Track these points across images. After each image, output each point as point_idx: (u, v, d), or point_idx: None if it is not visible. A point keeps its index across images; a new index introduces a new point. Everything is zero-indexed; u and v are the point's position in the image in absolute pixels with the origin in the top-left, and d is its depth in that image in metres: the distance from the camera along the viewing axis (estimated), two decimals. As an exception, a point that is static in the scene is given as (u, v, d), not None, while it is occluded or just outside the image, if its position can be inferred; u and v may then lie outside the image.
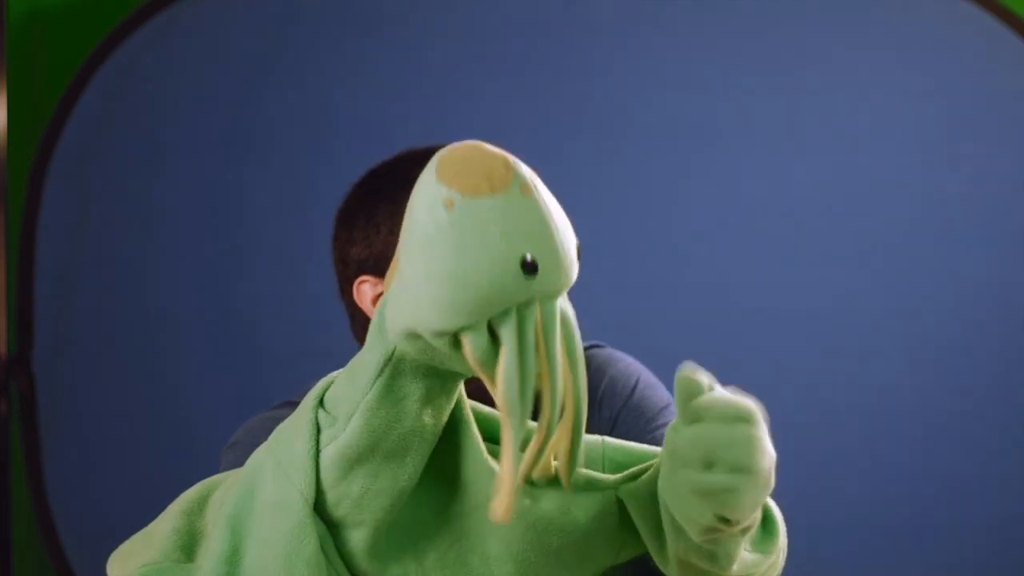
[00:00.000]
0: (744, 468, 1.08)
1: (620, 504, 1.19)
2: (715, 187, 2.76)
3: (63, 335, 2.86)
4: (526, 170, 1.08)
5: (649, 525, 1.17)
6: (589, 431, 1.64)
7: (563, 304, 1.10)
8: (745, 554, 1.18)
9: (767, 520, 1.22)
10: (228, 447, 1.71)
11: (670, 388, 1.79)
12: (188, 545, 1.20)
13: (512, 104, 2.78)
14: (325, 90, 2.82)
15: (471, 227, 1.04)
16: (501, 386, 1.06)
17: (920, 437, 2.71)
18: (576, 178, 2.70)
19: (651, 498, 1.17)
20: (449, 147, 1.08)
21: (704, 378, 1.14)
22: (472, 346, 1.06)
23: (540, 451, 1.10)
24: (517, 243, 1.05)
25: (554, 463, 1.15)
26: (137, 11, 2.83)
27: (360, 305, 1.73)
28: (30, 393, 2.83)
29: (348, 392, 1.14)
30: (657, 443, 1.69)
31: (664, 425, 1.73)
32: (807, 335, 2.73)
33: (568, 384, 1.10)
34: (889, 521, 2.70)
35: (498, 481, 1.06)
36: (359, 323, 1.76)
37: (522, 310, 1.06)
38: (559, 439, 1.11)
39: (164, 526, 1.22)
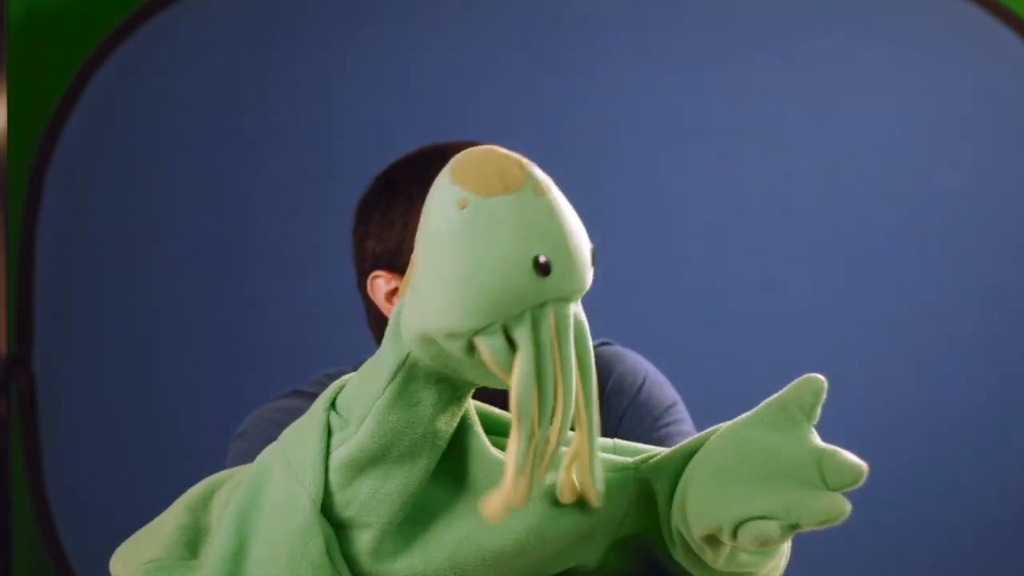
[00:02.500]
0: (815, 525, 1.08)
1: (634, 483, 1.19)
2: (716, 186, 2.76)
3: (63, 335, 2.86)
4: (540, 172, 1.07)
5: (665, 501, 1.18)
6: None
7: (576, 310, 1.09)
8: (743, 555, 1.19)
9: None
10: (236, 436, 1.71)
11: (676, 386, 1.80)
12: (192, 542, 1.20)
13: (513, 104, 2.78)
14: (325, 90, 2.82)
15: (483, 227, 1.04)
16: (515, 389, 1.05)
17: (920, 436, 2.71)
18: (577, 178, 2.68)
19: (675, 476, 1.17)
20: (464, 151, 1.07)
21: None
22: (489, 349, 1.05)
23: (539, 455, 1.08)
24: (530, 242, 1.04)
25: (574, 477, 1.14)
26: (137, 11, 2.83)
27: (373, 299, 1.73)
28: (30, 393, 2.83)
29: (361, 395, 1.14)
30: (662, 441, 1.70)
31: (670, 424, 1.73)
32: (807, 334, 2.73)
33: (579, 392, 1.09)
34: (889, 521, 2.70)
35: (502, 481, 1.06)
36: (373, 316, 1.76)
37: (536, 312, 1.05)
38: (576, 452, 1.11)
39: (169, 522, 1.22)
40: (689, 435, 1.72)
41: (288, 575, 1.14)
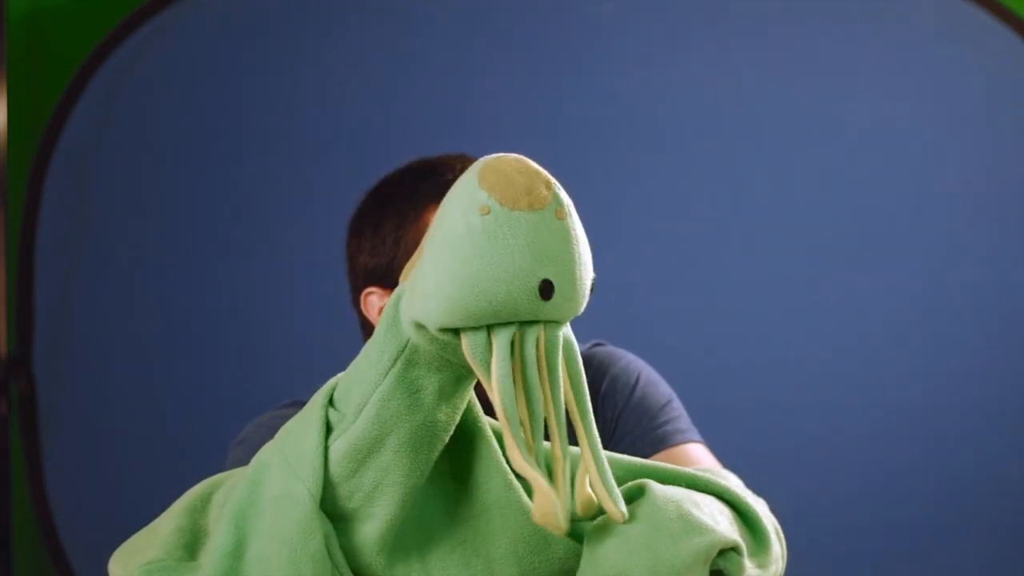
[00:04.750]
0: None
1: None
2: (716, 186, 2.76)
3: (63, 335, 2.86)
4: (565, 195, 1.09)
5: None
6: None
7: (566, 331, 1.11)
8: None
9: (756, 535, 1.22)
10: (236, 443, 1.71)
11: (676, 386, 1.80)
12: (191, 543, 1.21)
13: (512, 104, 2.78)
14: (326, 90, 2.82)
15: (501, 237, 1.06)
16: (497, 393, 1.07)
17: (920, 436, 2.71)
18: (577, 178, 2.69)
19: None
20: (496, 155, 1.09)
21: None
22: (470, 344, 1.08)
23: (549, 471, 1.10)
24: (541, 264, 1.06)
25: (589, 491, 1.15)
26: (137, 11, 2.82)
27: (367, 315, 1.74)
28: (30, 393, 2.83)
29: (358, 385, 1.15)
30: (660, 441, 1.70)
31: (666, 423, 1.73)
32: (807, 334, 2.73)
33: (576, 411, 1.11)
34: (889, 521, 2.70)
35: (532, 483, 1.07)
36: (367, 332, 1.76)
37: (524, 326, 1.07)
38: (586, 472, 1.12)
39: (168, 524, 1.22)
40: (685, 432, 1.73)
41: (288, 571, 1.15)
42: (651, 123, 2.77)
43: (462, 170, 1.69)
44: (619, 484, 1.20)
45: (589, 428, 1.12)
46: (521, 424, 1.07)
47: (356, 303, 1.76)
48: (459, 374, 1.13)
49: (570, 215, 1.09)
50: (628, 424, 1.72)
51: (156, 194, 2.85)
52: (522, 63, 2.80)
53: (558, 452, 1.09)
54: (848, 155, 2.73)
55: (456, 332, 1.08)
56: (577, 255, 1.08)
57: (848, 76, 2.73)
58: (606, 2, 2.78)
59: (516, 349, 1.08)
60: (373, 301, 1.73)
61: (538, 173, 1.08)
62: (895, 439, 2.71)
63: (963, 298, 2.70)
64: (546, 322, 1.08)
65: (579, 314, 1.10)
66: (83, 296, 2.86)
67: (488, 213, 1.06)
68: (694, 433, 1.72)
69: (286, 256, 2.82)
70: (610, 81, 2.78)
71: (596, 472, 1.12)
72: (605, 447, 1.22)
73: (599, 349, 1.81)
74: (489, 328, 1.07)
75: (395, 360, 1.13)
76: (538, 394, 1.08)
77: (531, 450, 1.07)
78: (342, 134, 2.80)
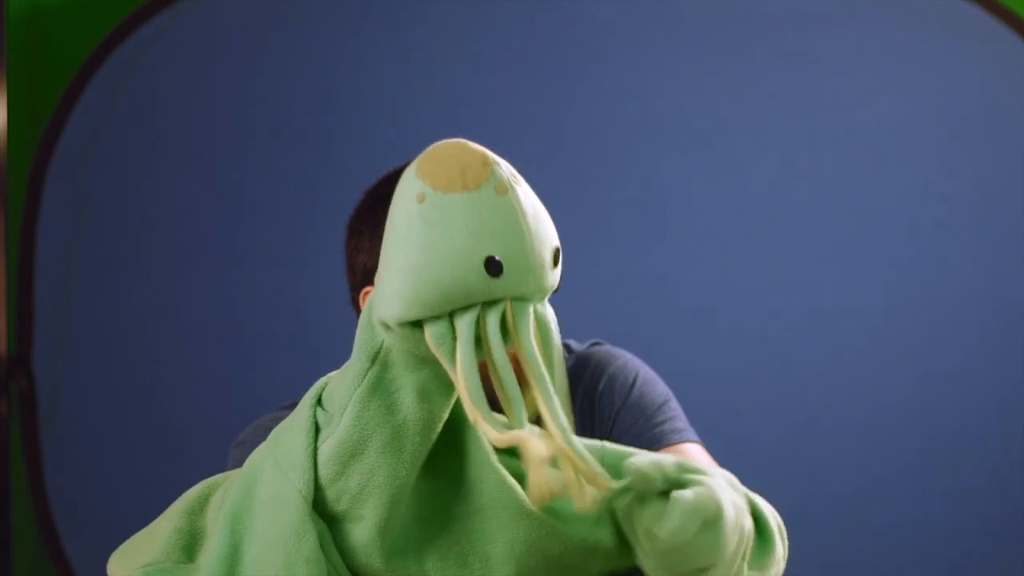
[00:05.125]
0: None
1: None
2: (716, 187, 2.76)
3: (63, 335, 2.86)
4: (506, 169, 1.08)
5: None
6: (589, 431, 1.65)
7: (541, 308, 1.09)
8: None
9: (762, 533, 1.22)
10: (235, 446, 1.71)
11: (669, 384, 1.80)
12: (189, 545, 1.21)
13: (512, 104, 2.78)
14: (326, 89, 2.82)
15: (438, 222, 1.05)
16: (461, 378, 1.06)
17: (920, 436, 2.71)
18: (577, 178, 2.70)
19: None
20: (434, 144, 1.09)
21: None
22: (433, 335, 1.07)
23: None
24: (482, 242, 1.05)
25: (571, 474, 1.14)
26: (137, 11, 2.82)
27: None
28: (30, 393, 2.83)
29: (341, 387, 1.15)
30: (657, 440, 1.70)
31: (663, 423, 1.73)
32: (807, 334, 2.73)
33: (539, 391, 1.09)
34: (889, 521, 2.70)
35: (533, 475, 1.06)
36: None
37: (486, 308, 1.06)
38: (561, 451, 1.10)
39: (166, 526, 1.22)
40: (682, 432, 1.73)
41: (284, 573, 1.14)
42: (651, 123, 2.77)
43: None
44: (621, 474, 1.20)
45: (553, 408, 1.10)
46: (504, 406, 1.07)
47: (355, 302, 1.76)
48: (436, 372, 1.12)
49: (512, 189, 1.07)
50: (625, 423, 1.72)
51: (156, 194, 2.85)
52: (522, 63, 2.80)
53: (553, 428, 1.07)
54: (848, 155, 2.73)
55: (420, 325, 1.07)
56: (524, 227, 1.06)
57: (848, 76, 2.73)
58: (606, 2, 2.78)
59: (483, 333, 1.06)
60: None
61: (474, 152, 1.07)
62: (894, 439, 2.71)
63: (963, 298, 2.70)
64: (513, 299, 1.07)
65: (550, 286, 1.08)
66: (83, 296, 2.86)
67: (424, 200, 1.06)
68: (691, 433, 1.72)
69: (286, 256, 2.82)
70: (610, 81, 2.78)
71: (570, 450, 1.09)
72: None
73: (597, 348, 1.81)
74: (451, 316, 1.06)
75: (372, 362, 1.13)
76: (508, 373, 1.07)
77: (509, 427, 1.07)
78: (342, 134, 2.80)
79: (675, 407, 1.77)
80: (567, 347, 1.77)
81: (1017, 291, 2.70)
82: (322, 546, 1.15)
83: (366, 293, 1.73)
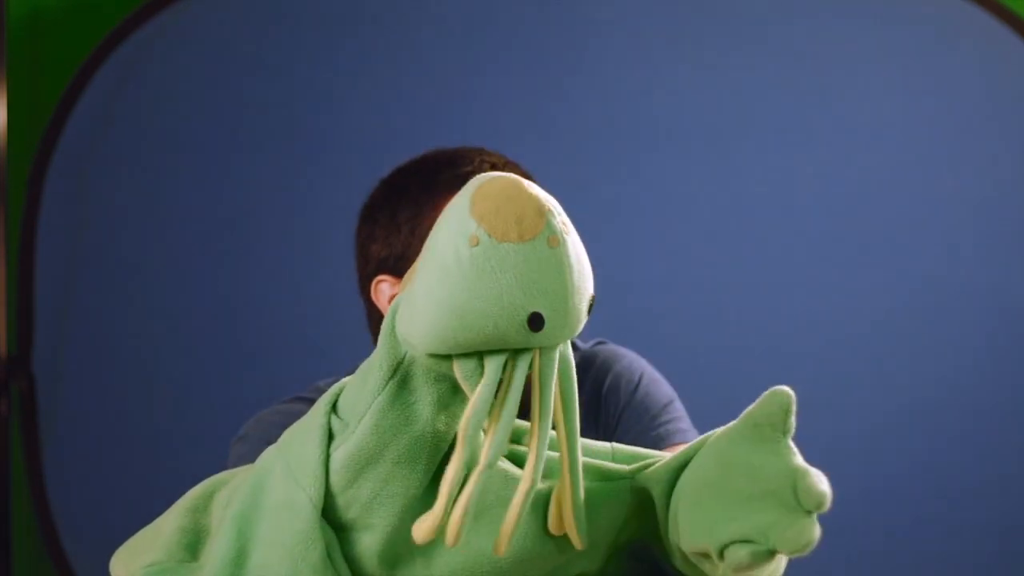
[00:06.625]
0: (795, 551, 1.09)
1: (631, 492, 1.19)
2: (716, 186, 2.76)
3: (63, 335, 2.86)
4: (559, 219, 1.07)
5: (662, 513, 1.18)
6: (593, 430, 1.65)
7: (562, 348, 1.10)
8: None
9: None
10: (237, 440, 1.71)
11: (676, 385, 1.80)
12: (193, 544, 1.20)
13: (513, 103, 2.78)
14: (327, 90, 2.82)
15: (489, 270, 1.04)
16: (468, 413, 1.07)
17: (920, 436, 2.71)
18: (577, 177, 2.70)
19: (668, 488, 1.18)
20: (489, 178, 1.07)
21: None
22: (461, 369, 1.08)
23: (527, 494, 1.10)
24: (530, 298, 1.05)
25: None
26: (137, 11, 2.82)
27: (377, 303, 1.73)
28: (30, 393, 2.83)
29: (359, 395, 1.14)
30: (660, 440, 1.70)
31: (667, 423, 1.73)
32: (807, 334, 2.73)
33: (563, 433, 1.11)
34: (889, 521, 2.70)
35: (435, 506, 1.09)
36: (375, 320, 1.76)
37: (516, 354, 1.07)
38: (562, 489, 1.13)
39: (169, 524, 1.21)
40: (685, 432, 1.73)
41: None
42: (651, 123, 2.77)
43: (480, 164, 1.69)
44: (629, 476, 1.20)
45: (574, 452, 1.12)
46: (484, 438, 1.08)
47: (365, 291, 1.76)
48: (456, 384, 1.12)
49: (564, 242, 1.06)
50: (629, 423, 1.72)
51: (156, 194, 2.85)
52: (522, 63, 2.80)
53: (529, 472, 1.09)
54: (848, 155, 2.73)
55: (447, 355, 1.08)
56: (570, 284, 1.06)
57: (848, 76, 2.73)
58: (606, 2, 2.78)
59: (507, 372, 1.07)
60: (384, 289, 1.72)
61: (530, 199, 1.06)
62: (895, 439, 2.71)
63: (963, 298, 2.70)
64: (540, 349, 1.08)
65: (576, 334, 1.10)
66: (83, 296, 2.86)
67: (476, 244, 1.04)
68: (694, 434, 1.72)
69: (286, 256, 2.82)
70: (610, 81, 2.78)
71: (570, 499, 1.12)
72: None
73: (602, 347, 1.81)
74: (481, 354, 1.07)
75: (394, 371, 1.12)
76: (508, 423, 1.08)
77: (473, 475, 1.08)
78: (342, 134, 2.80)
79: (679, 408, 1.77)
80: (572, 345, 1.77)
81: (1018, 291, 2.70)
82: (329, 555, 1.15)
83: (379, 282, 1.72)
